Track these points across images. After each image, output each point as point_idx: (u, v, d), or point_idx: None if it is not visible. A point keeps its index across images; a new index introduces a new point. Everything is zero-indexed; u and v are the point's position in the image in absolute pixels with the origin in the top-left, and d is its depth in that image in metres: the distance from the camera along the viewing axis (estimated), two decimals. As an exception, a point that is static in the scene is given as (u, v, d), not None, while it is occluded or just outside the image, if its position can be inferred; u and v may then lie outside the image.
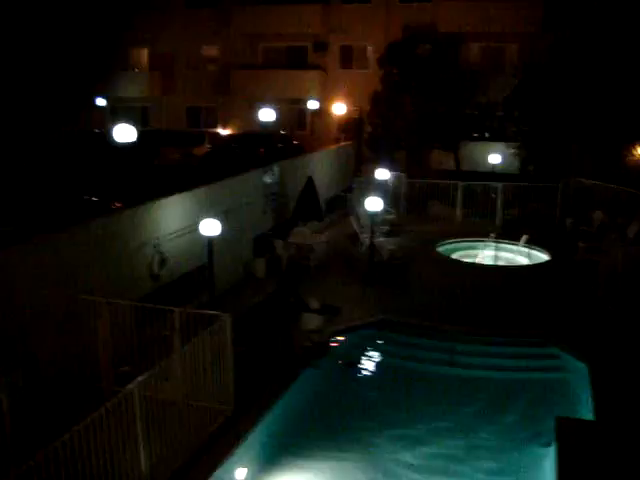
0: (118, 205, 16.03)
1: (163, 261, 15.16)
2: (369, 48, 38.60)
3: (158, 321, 11.89)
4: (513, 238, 23.64)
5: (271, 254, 20.37)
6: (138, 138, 16.23)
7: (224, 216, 16.69)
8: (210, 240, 14.40)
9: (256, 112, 25.99)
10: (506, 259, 23.31)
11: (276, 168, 21.91)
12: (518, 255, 23.51)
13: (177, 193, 16.29)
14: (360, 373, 15.16)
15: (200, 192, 17.25)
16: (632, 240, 21.41)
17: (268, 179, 21.28)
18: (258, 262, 19.67)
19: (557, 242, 24.32)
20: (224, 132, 39.31)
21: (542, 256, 23.37)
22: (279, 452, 11.89)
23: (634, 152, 30.71)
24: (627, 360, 14.74)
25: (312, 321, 16.08)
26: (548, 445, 11.58)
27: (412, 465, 11.81)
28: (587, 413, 12.58)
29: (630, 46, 27.03)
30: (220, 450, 10.83)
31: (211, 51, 41.94)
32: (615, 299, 17.40)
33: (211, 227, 14.29)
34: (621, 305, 17.14)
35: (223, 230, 14.69)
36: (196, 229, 14.69)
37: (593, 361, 14.55)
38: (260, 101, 30.82)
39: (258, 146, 27.24)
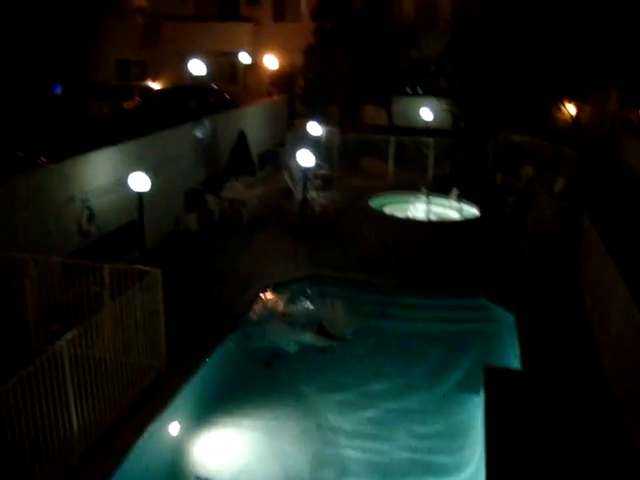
0: (44, 160, 15.60)
1: (91, 216, 14.91)
2: (302, 0, 38.13)
3: (88, 278, 11.71)
4: (444, 192, 23.93)
5: (203, 209, 20.20)
6: (64, 92, 15.80)
7: (154, 170, 16.46)
8: (140, 195, 14.18)
9: (187, 65, 25.48)
10: (437, 213, 23.59)
11: (207, 122, 21.61)
12: (449, 209, 23.83)
13: (105, 147, 15.96)
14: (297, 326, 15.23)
15: (129, 146, 16.93)
16: (559, 195, 21.89)
17: (199, 133, 21.00)
18: (190, 217, 19.48)
19: (487, 197, 24.74)
20: (154, 85, 38.51)
21: (472, 210, 23.77)
22: (211, 408, 11.97)
23: (562, 108, 31.26)
24: (552, 310, 15.21)
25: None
26: (477, 393, 11.90)
27: (343, 420, 12.01)
28: (515, 362, 12.98)
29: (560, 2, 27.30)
30: (152, 406, 10.82)
31: (139, 1, 40.77)
32: (542, 252, 17.85)
33: (140, 182, 14.08)
34: (548, 258, 17.59)
35: (153, 185, 14.47)
36: (125, 184, 14.44)
37: (520, 312, 14.96)
38: (191, 54, 30.23)
39: (189, 100, 26.75)
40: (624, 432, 10.36)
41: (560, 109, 31.25)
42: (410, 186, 24.82)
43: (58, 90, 31.41)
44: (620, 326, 11.55)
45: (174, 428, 11.24)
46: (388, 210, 23.84)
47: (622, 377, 11.12)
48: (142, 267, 11.58)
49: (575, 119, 31.10)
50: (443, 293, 16.54)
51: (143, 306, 11.12)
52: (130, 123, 23.75)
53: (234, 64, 38.94)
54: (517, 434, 10.46)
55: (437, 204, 23.72)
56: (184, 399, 11.51)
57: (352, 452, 11.30)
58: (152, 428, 10.42)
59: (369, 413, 12.29)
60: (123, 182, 14.75)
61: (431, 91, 34.21)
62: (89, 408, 9.66)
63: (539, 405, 11.37)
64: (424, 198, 23.26)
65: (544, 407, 11.32)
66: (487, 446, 10.01)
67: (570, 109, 31.30)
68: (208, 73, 26.09)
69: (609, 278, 12.74)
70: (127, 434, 10.09)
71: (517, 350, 13.25)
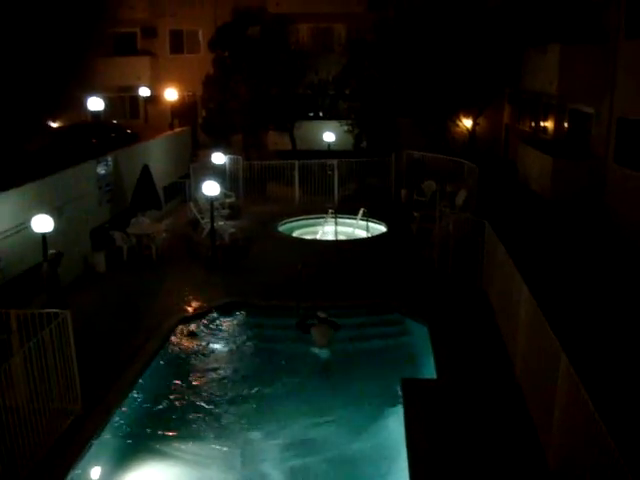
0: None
1: (-5, 262, 14.58)
2: (200, 32, 38.26)
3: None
4: (351, 212, 24.29)
5: (111, 247, 19.97)
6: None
7: (58, 211, 16.27)
8: (44, 237, 13.97)
9: (86, 102, 25.25)
10: (346, 233, 23.93)
11: (110, 158, 21.43)
12: (357, 229, 24.20)
13: (4, 190, 15.65)
14: (210, 356, 15.18)
15: (29, 188, 16.61)
16: (461, 207, 22.55)
17: (102, 170, 20.79)
18: (97, 256, 19.20)
19: (393, 213, 25.26)
20: (54, 124, 37.81)
21: (380, 228, 24.23)
22: (133, 446, 11.80)
23: (458, 123, 32.24)
24: (463, 320, 15.64)
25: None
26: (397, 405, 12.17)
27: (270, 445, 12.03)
28: (431, 372, 13.31)
29: (449, 24, 28.23)
30: (71, 451, 10.60)
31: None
32: (450, 264, 18.33)
33: (43, 223, 13.88)
34: (455, 269, 18.08)
35: (57, 225, 14.28)
36: (28, 227, 14.20)
37: (432, 323, 15.34)
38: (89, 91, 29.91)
39: (90, 137, 26.42)
40: (535, 429, 10.78)
41: (457, 124, 32.22)
42: (317, 209, 25.15)
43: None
44: (526, 331, 12.00)
45: (97, 471, 11.04)
46: (297, 234, 24.07)
47: (530, 380, 11.55)
48: (51, 310, 11.39)
49: (471, 132, 32.12)
50: (357, 311, 16.78)
51: (54, 350, 10.93)
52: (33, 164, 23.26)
53: (135, 98, 38.72)
54: (436, 438, 10.74)
55: (345, 224, 24.05)
56: (103, 441, 11.36)
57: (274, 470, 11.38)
58: (73, 475, 10.22)
59: (289, 432, 12.35)
60: (25, 225, 14.50)
61: (332, 114, 34.78)
62: (3, 460, 9.40)
63: (455, 409, 11.73)
64: (332, 219, 23.54)
65: (460, 411, 11.69)
66: (409, 453, 10.31)
67: (466, 123, 32.33)
68: (109, 109, 25.91)
69: (513, 285, 13.21)
70: (48, 481, 9.87)
71: (432, 361, 13.62)
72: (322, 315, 15.58)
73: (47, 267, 14.48)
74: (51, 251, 14.59)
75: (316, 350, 15.43)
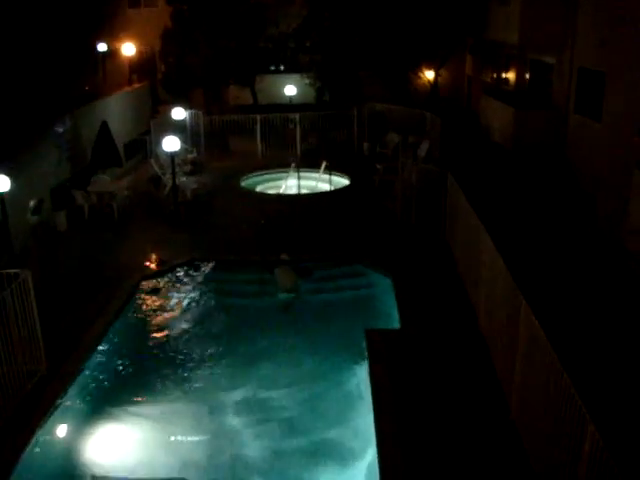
0: None
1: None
2: (157, -16, 37.43)
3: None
4: (314, 166, 24.23)
5: (71, 205, 19.72)
6: None
7: (15, 169, 15.97)
8: (1, 197, 13.74)
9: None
10: (309, 187, 23.90)
11: (67, 116, 21.04)
12: (320, 182, 24.16)
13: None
14: (174, 313, 15.15)
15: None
16: (424, 158, 22.59)
17: (59, 128, 20.42)
18: (58, 215, 18.95)
19: (356, 166, 25.23)
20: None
21: (343, 181, 24.20)
22: (100, 404, 11.79)
23: (420, 75, 32.14)
24: (427, 271, 15.76)
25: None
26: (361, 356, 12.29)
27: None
28: (395, 323, 13.43)
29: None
30: (38, 411, 10.57)
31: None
32: (412, 216, 18.42)
33: (1, 183, 13.64)
34: (418, 220, 18.17)
35: (15, 185, 14.05)
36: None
37: (396, 275, 15.43)
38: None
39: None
40: (497, 375, 10.97)
41: (419, 75, 32.12)
42: (280, 163, 25.04)
43: None
44: (488, 277, 12.14)
45: (63, 430, 11.02)
46: (260, 189, 23.98)
47: (493, 329, 11.72)
48: (10, 270, 11.25)
49: (433, 84, 32.06)
50: (320, 264, 16.80)
51: (16, 310, 10.82)
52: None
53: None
54: (400, 387, 10.90)
55: (308, 178, 24.03)
56: (70, 399, 11.34)
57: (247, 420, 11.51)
58: (40, 435, 10.22)
59: (258, 383, 12.44)
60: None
61: (293, 67, 34.43)
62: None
63: (419, 358, 11.92)
64: (294, 173, 23.46)
65: (423, 360, 11.88)
66: (374, 402, 10.46)
67: (428, 75, 32.24)
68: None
69: (475, 235, 13.31)
70: (14, 444, 9.81)
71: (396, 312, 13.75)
72: (284, 257, 15.64)
73: (36, 219, 14.34)
74: (31, 202, 14.38)
75: (281, 301, 15.49)
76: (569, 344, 10.07)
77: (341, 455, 10.63)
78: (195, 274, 16.60)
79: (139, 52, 36.04)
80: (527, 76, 26.93)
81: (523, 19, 24.00)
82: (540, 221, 17.89)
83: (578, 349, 10.89)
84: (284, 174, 24.30)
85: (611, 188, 17.91)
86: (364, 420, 10.70)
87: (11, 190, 14.07)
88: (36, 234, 15.03)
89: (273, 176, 25.01)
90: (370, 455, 9.95)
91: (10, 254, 14.27)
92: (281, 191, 23.86)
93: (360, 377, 12.12)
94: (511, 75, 28.51)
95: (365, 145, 27.34)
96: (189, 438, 11.22)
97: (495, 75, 30.73)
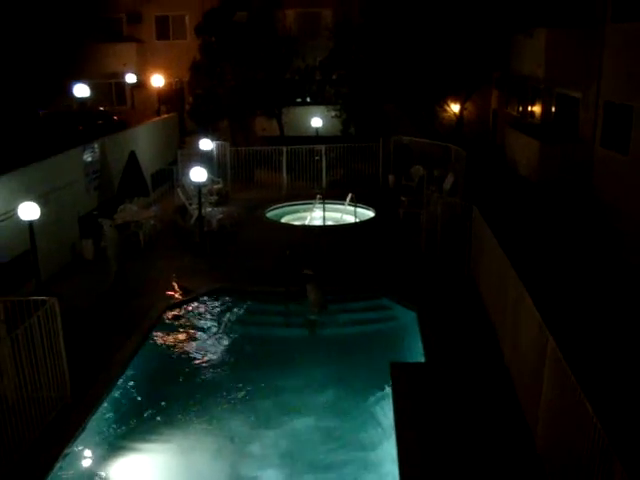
0: None
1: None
2: (186, 17, 37.98)
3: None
4: (339, 198, 24.29)
5: (98, 234, 19.89)
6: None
7: (44, 198, 16.21)
8: (31, 224, 13.90)
9: (72, 89, 25.10)
10: (334, 219, 23.94)
11: (96, 145, 21.34)
12: (345, 214, 24.20)
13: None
14: (198, 342, 15.17)
15: (16, 175, 16.53)
16: (449, 191, 22.57)
17: (88, 157, 20.70)
18: (85, 243, 19.15)
19: (381, 199, 25.27)
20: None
21: (368, 213, 24.25)
22: (121, 436, 11.81)
23: (446, 107, 32.23)
24: (451, 304, 15.70)
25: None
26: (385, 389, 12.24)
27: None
28: (419, 357, 13.35)
29: (437, 7, 28.14)
30: (59, 439, 10.59)
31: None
32: (437, 248, 18.38)
33: (30, 211, 13.81)
34: (443, 253, 18.12)
35: (44, 213, 14.22)
36: (14, 215, 14.14)
37: (421, 308, 15.38)
38: (75, 77, 29.77)
39: (76, 124, 26.27)
40: (522, 412, 10.85)
41: (444, 109, 32.21)
42: (305, 195, 25.15)
43: None
44: (514, 312, 12.06)
45: (86, 459, 11.04)
46: (285, 220, 24.08)
47: (518, 363, 11.62)
48: (38, 297, 11.36)
49: (459, 117, 32.12)
50: (345, 296, 16.81)
51: (42, 337, 10.90)
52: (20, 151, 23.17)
53: (121, 85, 38.49)
54: (424, 420, 10.82)
55: (333, 210, 24.07)
56: (93, 427, 11.37)
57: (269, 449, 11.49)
58: (61, 463, 10.22)
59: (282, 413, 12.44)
60: (11, 214, 14.45)
61: (319, 99, 34.68)
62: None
63: (443, 392, 11.80)
64: (320, 205, 23.53)
65: (447, 394, 11.76)
66: (397, 433, 10.43)
67: (454, 108, 32.33)
68: (95, 95, 25.75)
69: (500, 269, 13.26)
70: (35, 471, 9.84)
71: (420, 345, 13.68)
72: (308, 272, 15.98)
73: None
74: None
75: (308, 321, 15.57)
76: (596, 382, 9.96)
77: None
78: (220, 304, 16.66)
79: (168, 83, 36.56)
80: (553, 109, 26.91)
81: (548, 53, 24.02)
82: (567, 256, 17.75)
83: (605, 388, 10.75)
84: (309, 205, 24.38)
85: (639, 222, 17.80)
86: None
87: (40, 218, 14.23)
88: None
89: (298, 207, 25.10)
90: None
91: (37, 282, 14.38)
92: (306, 222, 23.92)
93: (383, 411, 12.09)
94: (537, 108, 28.51)
95: (390, 177, 27.41)
96: (213, 467, 11.17)
97: (521, 108, 30.75)
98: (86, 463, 11.02)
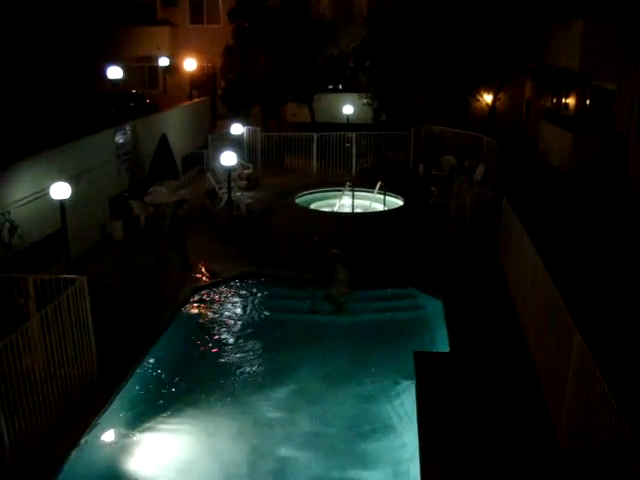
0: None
1: (13, 229, 14.66)
2: (220, 2, 37.97)
3: (12, 291, 11.54)
4: (369, 186, 24.24)
5: (128, 215, 20.07)
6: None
7: (76, 179, 16.35)
8: (62, 203, 14.03)
9: (105, 72, 25.21)
10: (363, 206, 23.91)
11: (128, 127, 21.48)
12: (374, 202, 24.16)
13: (24, 158, 15.75)
14: (224, 325, 15.27)
15: (49, 155, 16.72)
16: (479, 182, 22.44)
17: (120, 139, 20.85)
18: (115, 224, 19.32)
19: (411, 188, 25.19)
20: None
21: (397, 201, 24.18)
22: (147, 413, 11.95)
23: (479, 98, 31.97)
24: (477, 294, 15.63)
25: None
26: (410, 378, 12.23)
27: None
28: (444, 346, 13.33)
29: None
30: (86, 415, 10.75)
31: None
32: (465, 238, 18.30)
33: (62, 190, 13.93)
34: (471, 243, 18.04)
35: (75, 193, 14.36)
36: (47, 194, 14.30)
37: (447, 298, 15.34)
38: (109, 59, 29.88)
39: (108, 106, 26.43)
40: (547, 405, 10.80)
41: (477, 99, 31.96)
42: (335, 182, 25.13)
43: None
44: (540, 306, 11.98)
45: (110, 435, 11.20)
46: (314, 206, 24.08)
47: (543, 355, 11.55)
48: (67, 276, 11.49)
49: (491, 107, 31.87)
50: (372, 284, 16.81)
51: (71, 315, 11.04)
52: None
53: (154, 68, 38.62)
54: (447, 410, 10.82)
55: (362, 197, 24.01)
56: (118, 405, 11.51)
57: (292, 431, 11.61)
58: (88, 437, 10.39)
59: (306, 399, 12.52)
60: (45, 192, 14.62)
61: (351, 86, 34.52)
62: (20, 422, 9.55)
63: (466, 382, 11.78)
64: (349, 192, 23.50)
65: (471, 384, 11.74)
66: (420, 424, 10.41)
67: (487, 98, 32.07)
68: (128, 78, 25.87)
69: (528, 260, 13.17)
70: (62, 445, 10.00)
71: (446, 334, 13.65)
72: (335, 251, 16.51)
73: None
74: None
75: (332, 320, 15.56)
76: (621, 374, 9.89)
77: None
78: (247, 288, 16.74)
79: (200, 68, 36.63)
80: (587, 102, 26.61)
81: (584, 44, 23.79)
82: (597, 250, 17.57)
83: (632, 384, 10.66)
84: (338, 193, 24.36)
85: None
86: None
87: (71, 198, 14.36)
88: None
89: (328, 194, 25.10)
90: None
91: (68, 260, 14.54)
92: (335, 209, 23.91)
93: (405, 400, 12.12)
94: (571, 100, 28.20)
95: (420, 167, 27.29)
96: (233, 448, 11.26)
97: (555, 100, 30.43)
98: (112, 439, 11.18)
